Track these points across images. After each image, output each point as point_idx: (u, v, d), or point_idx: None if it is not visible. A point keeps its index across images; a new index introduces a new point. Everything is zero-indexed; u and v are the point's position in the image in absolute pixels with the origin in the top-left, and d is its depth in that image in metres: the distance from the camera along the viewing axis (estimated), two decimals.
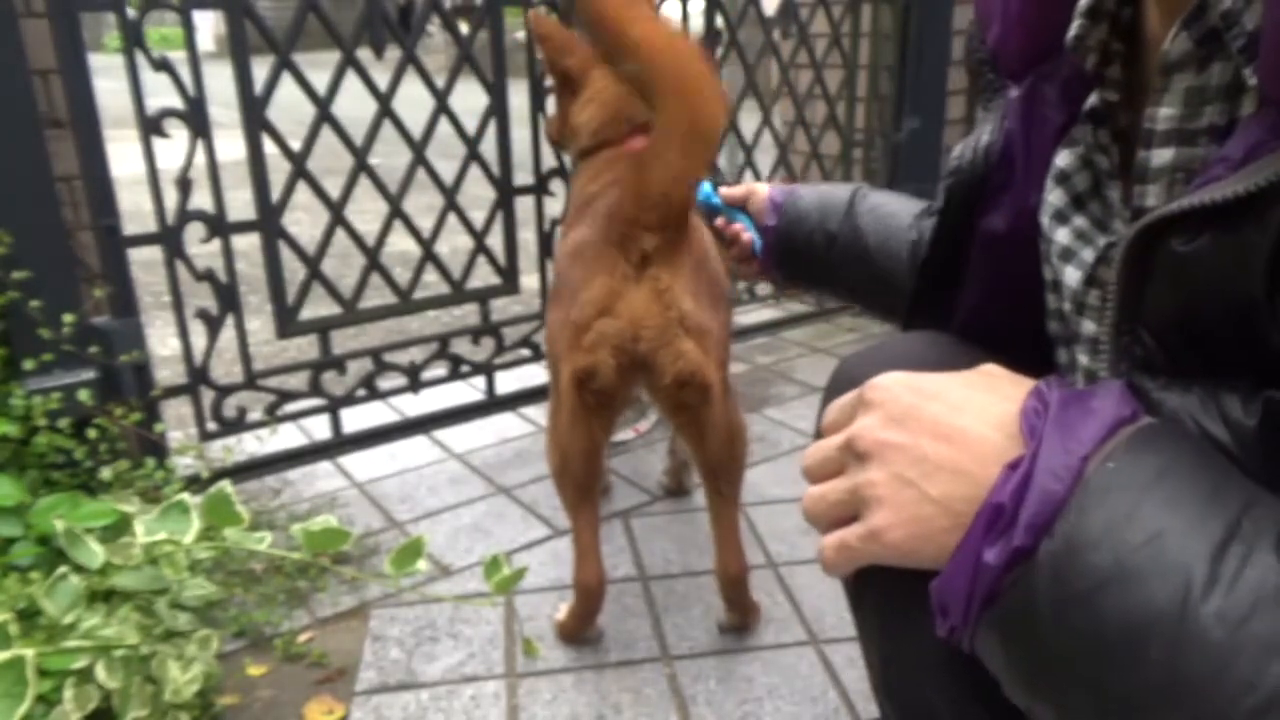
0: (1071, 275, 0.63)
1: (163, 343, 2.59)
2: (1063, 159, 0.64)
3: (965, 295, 0.78)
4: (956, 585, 0.44)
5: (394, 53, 1.76)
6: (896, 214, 1.02)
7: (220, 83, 1.69)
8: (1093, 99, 0.61)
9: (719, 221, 1.22)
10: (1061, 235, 0.64)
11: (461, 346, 1.99)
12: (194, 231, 1.61)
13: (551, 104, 1.85)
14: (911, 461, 0.46)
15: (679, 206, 1.12)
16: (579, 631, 1.35)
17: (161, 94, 1.59)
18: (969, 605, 0.44)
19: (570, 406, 1.20)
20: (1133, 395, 0.46)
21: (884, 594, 0.73)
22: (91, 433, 1.44)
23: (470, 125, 1.87)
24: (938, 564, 0.45)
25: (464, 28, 1.96)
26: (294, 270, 1.75)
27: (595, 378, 1.14)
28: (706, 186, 1.22)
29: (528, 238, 1.99)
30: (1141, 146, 0.53)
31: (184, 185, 1.55)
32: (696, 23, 2.22)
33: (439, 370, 1.99)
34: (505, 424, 2.07)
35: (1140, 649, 0.38)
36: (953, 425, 0.46)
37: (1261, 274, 0.43)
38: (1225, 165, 0.45)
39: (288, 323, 1.76)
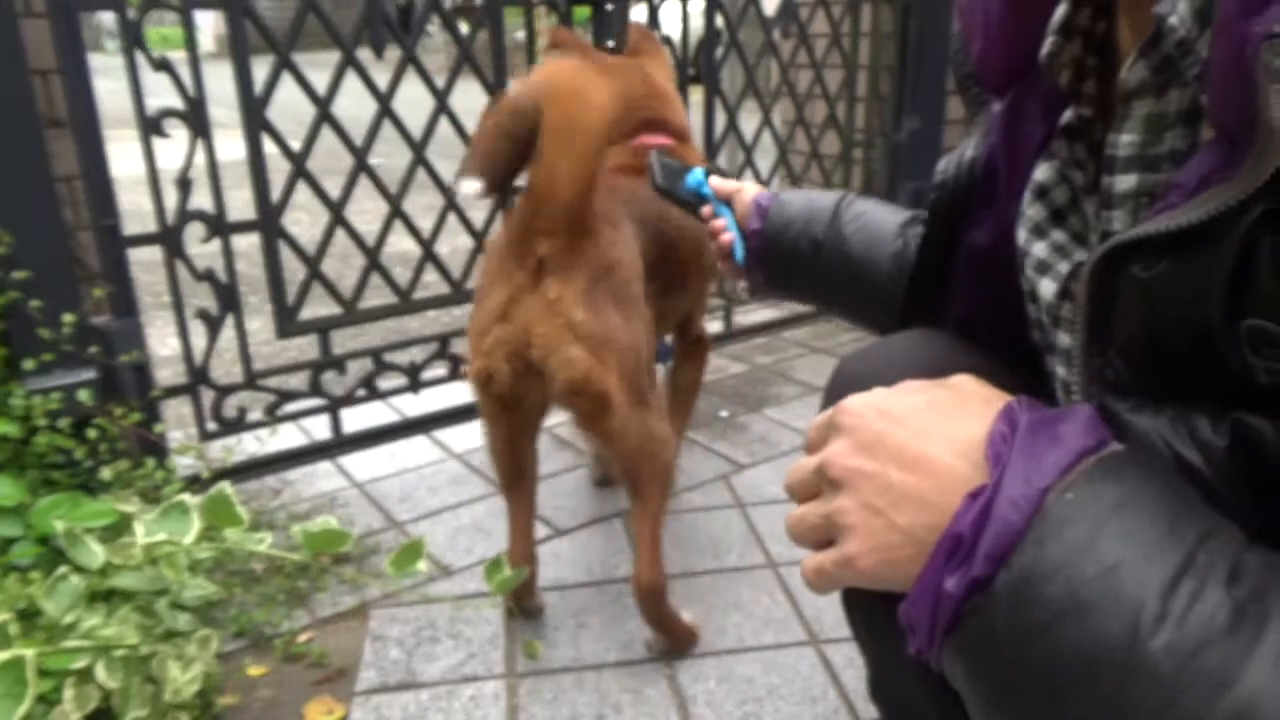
0: (1047, 288, 0.63)
1: (163, 343, 2.59)
2: (1041, 173, 0.64)
3: (952, 307, 0.78)
4: (920, 611, 0.45)
5: (394, 53, 1.76)
6: (881, 223, 1.01)
7: (220, 83, 1.69)
8: (1068, 115, 0.62)
9: (705, 211, 1.19)
10: (1038, 249, 0.64)
11: (461, 346, 1.99)
12: (194, 231, 1.61)
13: None
14: (879, 490, 0.47)
15: (570, 209, 1.11)
16: (517, 605, 1.39)
17: (161, 94, 1.59)
18: (932, 630, 0.45)
19: (481, 406, 1.25)
20: (1101, 421, 0.46)
21: (871, 600, 0.74)
22: (91, 433, 1.44)
23: (470, 125, 1.86)
24: (906, 589, 0.46)
25: (464, 28, 1.96)
26: (294, 270, 1.76)
27: (492, 382, 1.17)
28: (699, 173, 1.20)
29: None
30: (1105, 172, 0.54)
31: (184, 185, 1.55)
32: (696, 23, 2.23)
33: (439, 370, 1.99)
34: None
35: (1092, 681, 0.39)
36: (920, 453, 0.47)
37: (1218, 300, 0.43)
38: (1180, 193, 0.46)
39: (288, 323, 1.76)
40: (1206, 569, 0.39)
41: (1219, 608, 0.38)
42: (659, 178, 1.20)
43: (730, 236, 1.13)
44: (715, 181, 1.18)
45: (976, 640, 0.43)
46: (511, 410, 1.24)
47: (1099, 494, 0.42)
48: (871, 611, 0.79)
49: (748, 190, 1.15)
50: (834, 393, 0.78)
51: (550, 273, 1.13)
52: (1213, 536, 0.41)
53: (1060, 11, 0.58)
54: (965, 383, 0.51)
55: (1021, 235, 0.66)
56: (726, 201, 1.17)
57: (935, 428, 0.47)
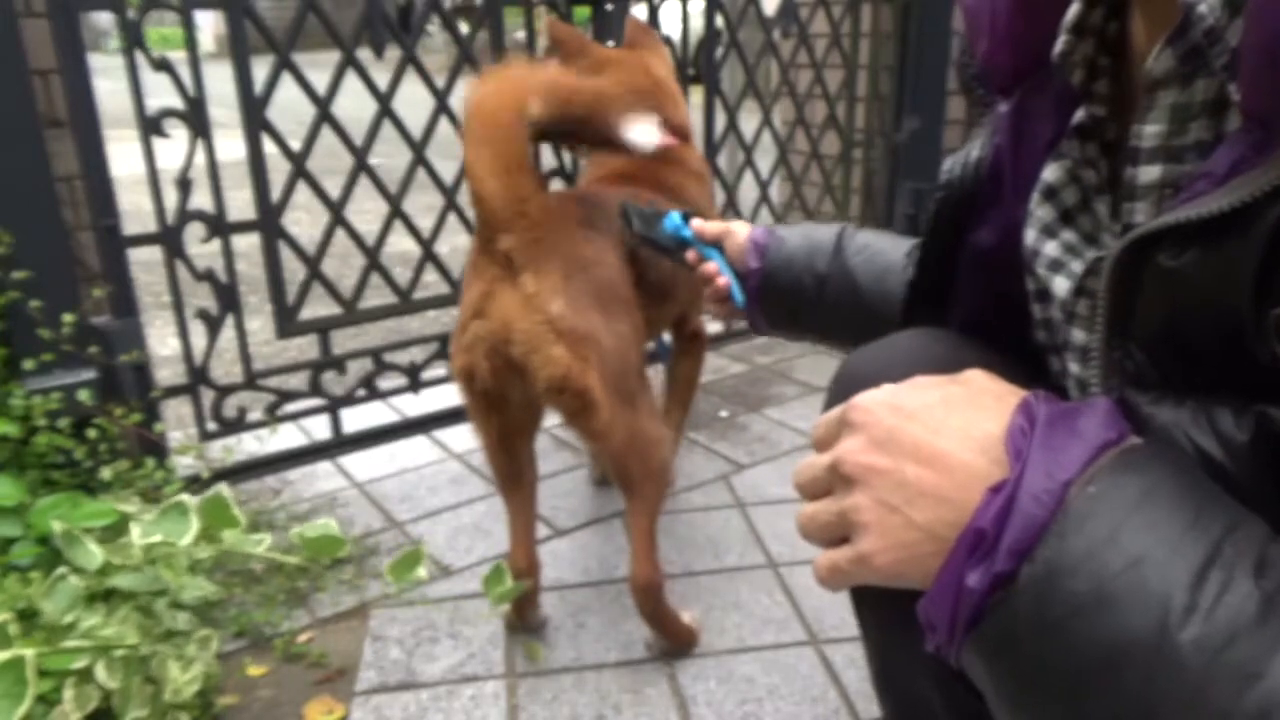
0: (1060, 285, 0.63)
1: (163, 343, 2.59)
2: (1050, 173, 0.64)
3: (955, 309, 0.78)
4: (940, 608, 0.45)
5: (394, 53, 1.76)
6: (887, 252, 1.00)
7: (220, 83, 1.69)
8: (1080, 114, 0.61)
9: (690, 255, 1.14)
10: (1050, 248, 0.64)
11: None
12: (194, 231, 1.61)
13: None
14: (895, 487, 0.46)
15: (504, 200, 1.11)
16: (519, 618, 1.36)
17: (161, 94, 1.59)
18: (953, 627, 0.44)
19: (467, 404, 1.24)
20: (1121, 415, 0.46)
21: (882, 593, 0.74)
22: (91, 433, 1.44)
23: None
24: (925, 586, 0.46)
25: (464, 28, 1.96)
26: (294, 270, 1.75)
27: (474, 378, 1.17)
28: (676, 217, 1.15)
29: None
30: (1129, 164, 0.53)
31: (184, 185, 1.55)
32: (696, 23, 2.22)
33: (439, 370, 1.99)
34: None
35: (1117, 676, 0.39)
36: (935, 449, 0.46)
37: (1247, 288, 0.43)
38: (1209, 181, 0.45)
39: (288, 323, 1.76)
40: (1233, 560, 0.39)
41: (1247, 599, 0.37)
42: (636, 225, 1.17)
43: (726, 280, 1.10)
44: (698, 224, 1.14)
45: (999, 636, 0.42)
46: (498, 409, 1.23)
47: (1121, 487, 0.41)
48: (880, 606, 0.79)
49: (739, 229, 1.11)
50: (839, 390, 0.78)
51: (524, 267, 1.12)
52: (1238, 528, 0.40)
53: (1073, 10, 0.58)
54: (978, 378, 0.50)
55: (1031, 235, 0.66)
56: (714, 244, 1.13)
57: (950, 423, 0.47)
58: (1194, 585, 0.38)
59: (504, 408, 1.23)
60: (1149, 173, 0.52)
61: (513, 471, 1.32)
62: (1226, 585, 0.38)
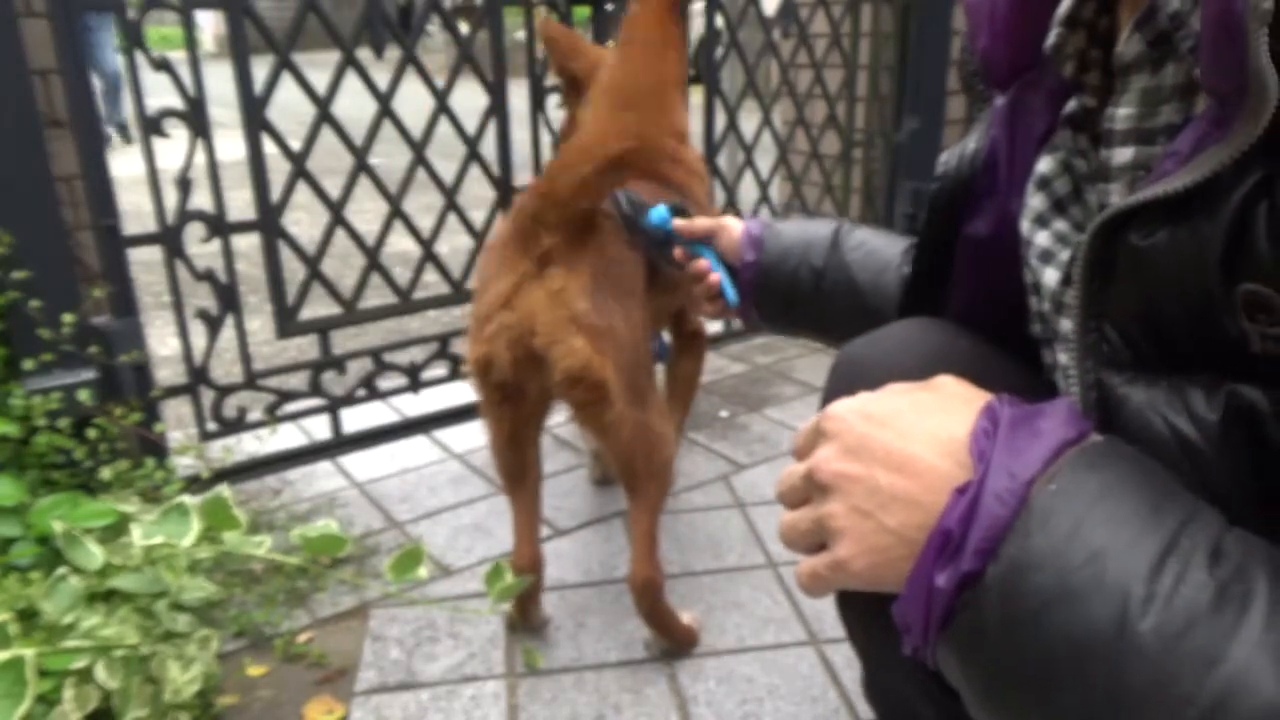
0: (1050, 276, 0.64)
1: (163, 343, 2.59)
2: (1044, 164, 0.66)
3: (951, 299, 0.79)
4: (913, 609, 0.45)
5: (394, 53, 1.76)
6: (884, 249, 1.01)
7: (220, 83, 1.69)
8: (1071, 104, 0.63)
9: (677, 253, 1.14)
10: (1041, 238, 0.65)
11: (461, 346, 1.99)
12: (194, 231, 1.61)
13: (552, 104, 1.86)
14: (867, 493, 0.47)
15: (576, 208, 1.12)
16: (521, 617, 1.36)
17: (161, 94, 1.59)
18: (926, 627, 0.45)
19: (481, 396, 1.25)
20: (1080, 414, 0.47)
21: (865, 600, 0.75)
22: (91, 433, 1.44)
23: (470, 125, 1.87)
24: (899, 589, 0.47)
25: (464, 28, 1.97)
26: (294, 270, 1.76)
27: (492, 368, 1.17)
28: (663, 210, 1.15)
29: None
30: (1103, 146, 0.55)
31: (184, 185, 1.55)
32: (697, 23, 2.22)
33: (439, 370, 1.99)
34: None
35: (1083, 667, 0.39)
36: (905, 454, 0.47)
37: (1215, 265, 0.43)
38: (1175, 160, 0.46)
39: (288, 323, 1.76)
40: (1189, 552, 0.40)
41: (1203, 588, 0.38)
42: (626, 212, 1.17)
43: (718, 276, 1.09)
44: (681, 223, 1.13)
45: (969, 634, 0.43)
46: (512, 401, 1.23)
47: (1081, 483, 0.42)
48: (865, 612, 0.80)
49: (731, 225, 1.10)
50: (839, 378, 0.79)
51: (555, 263, 1.13)
52: (1193, 520, 0.41)
53: (1065, 4, 0.60)
54: (947, 383, 0.51)
55: (1025, 226, 0.67)
56: (704, 240, 1.12)
57: (919, 428, 0.48)
58: (1152, 576, 0.39)
59: (518, 400, 1.23)
60: (1122, 154, 0.53)
61: (519, 468, 1.32)
62: (1183, 575, 0.39)
